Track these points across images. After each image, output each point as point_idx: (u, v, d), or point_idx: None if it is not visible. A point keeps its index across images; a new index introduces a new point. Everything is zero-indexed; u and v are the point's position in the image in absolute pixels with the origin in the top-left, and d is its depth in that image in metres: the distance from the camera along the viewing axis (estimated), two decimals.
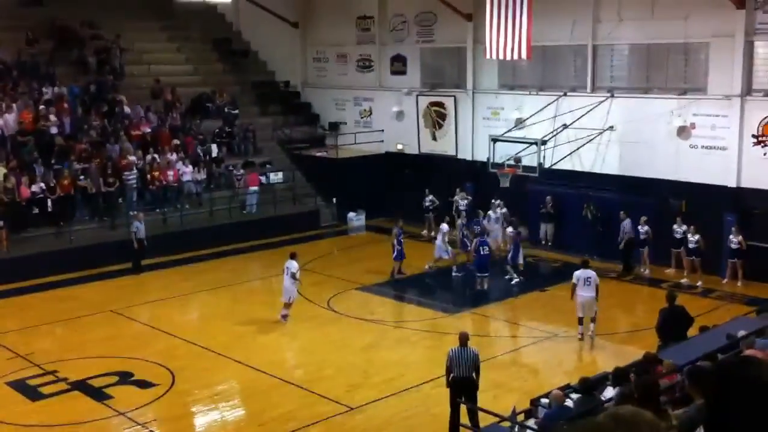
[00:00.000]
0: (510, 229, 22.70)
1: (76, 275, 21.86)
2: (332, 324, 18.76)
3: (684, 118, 22.01)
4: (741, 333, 11.85)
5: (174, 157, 26.42)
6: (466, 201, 25.97)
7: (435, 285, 22.38)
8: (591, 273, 17.19)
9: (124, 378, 15.41)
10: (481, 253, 20.83)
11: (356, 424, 13.49)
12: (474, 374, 12.52)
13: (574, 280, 17.16)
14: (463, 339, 12.73)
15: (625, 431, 2.34)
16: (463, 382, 12.49)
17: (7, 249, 22.11)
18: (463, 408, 12.43)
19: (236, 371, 15.85)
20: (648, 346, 14.80)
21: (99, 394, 14.67)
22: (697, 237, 20.76)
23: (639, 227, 21.81)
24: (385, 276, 22.19)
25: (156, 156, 25.96)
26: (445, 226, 22.68)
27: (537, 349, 17.24)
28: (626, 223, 22.04)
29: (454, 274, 22.45)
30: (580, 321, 17.18)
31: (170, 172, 25.88)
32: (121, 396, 14.59)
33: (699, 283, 20.89)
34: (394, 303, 20.89)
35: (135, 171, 25.13)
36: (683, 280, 21.17)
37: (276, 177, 28.44)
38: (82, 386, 15.02)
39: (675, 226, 21.40)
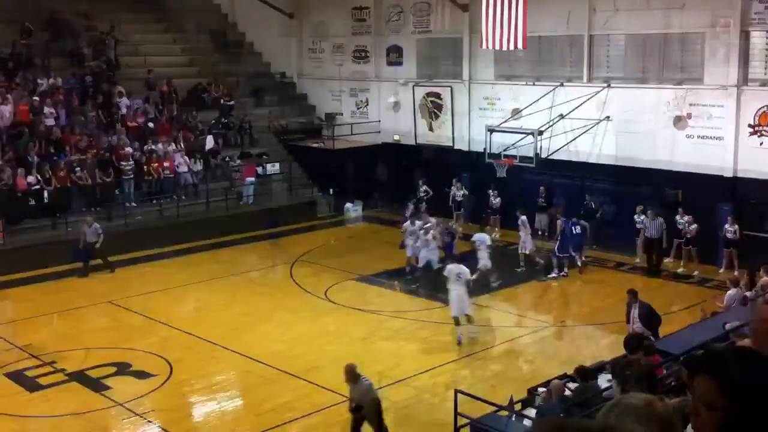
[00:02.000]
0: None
1: (73, 267, 21.83)
2: (330, 314, 18.78)
3: (680, 108, 22.02)
4: (735, 323, 11.84)
5: (171, 148, 26.41)
6: (462, 192, 26.02)
7: (433, 276, 22.34)
8: (463, 268, 17.01)
9: (122, 369, 15.42)
10: (574, 232, 21.05)
11: None
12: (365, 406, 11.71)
13: (446, 273, 17.04)
14: (348, 373, 11.94)
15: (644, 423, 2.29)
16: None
17: (2, 240, 22.07)
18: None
19: (233, 362, 15.88)
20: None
21: (97, 385, 14.69)
22: (694, 227, 20.75)
23: (635, 216, 21.82)
24: (383, 266, 22.24)
25: (154, 147, 25.94)
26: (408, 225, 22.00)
27: (533, 339, 17.28)
28: (656, 222, 21.25)
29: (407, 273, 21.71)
30: (457, 322, 16.66)
31: (167, 164, 25.88)
32: (119, 387, 14.61)
33: (695, 273, 20.92)
34: (391, 293, 20.87)
35: (132, 162, 25.12)
36: (680, 270, 21.20)
37: (273, 168, 28.41)
38: (81, 377, 15.04)
39: (677, 217, 21.24)
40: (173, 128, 27.62)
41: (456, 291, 16.68)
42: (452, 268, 16.95)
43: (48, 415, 13.55)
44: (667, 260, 21.76)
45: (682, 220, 21.17)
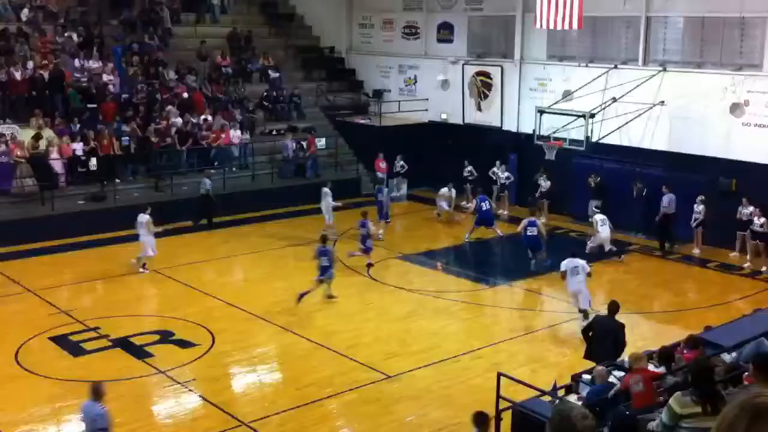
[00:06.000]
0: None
1: (123, 234, 22.07)
2: (371, 292, 18.73)
3: (738, 95, 21.40)
4: None
5: (211, 120, 26.60)
6: (506, 174, 25.69)
7: (476, 256, 22.21)
8: (579, 261, 16.63)
9: (165, 337, 15.56)
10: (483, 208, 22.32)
11: (393, 391, 13.46)
12: None
13: (563, 269, 16.51)
14: (93, 391, 10.00)
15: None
16: None
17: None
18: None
19: (275, 335, 15.91)
20: (692, 326, 14.57)
21: (140, 352, 14.84)
22: (762, 220, 19.99)
23: (694, 206, 21.29)
24: (426, 245, 22.12)
25: (207, 118, 26.25)
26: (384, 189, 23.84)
27: (577, 325, 16.94)
28: (666, 198, 21.59)
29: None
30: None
31: (223, 135, 26.23)
32: (161, 354, 14.74)
33: (764, 268, 20.14)
34: (434, 273, 20.75)
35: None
36: (746, 264, 20.49)
37: (319, 143, 28.33)
38: (124, 343, 15.20)
39: (741, 208, 20.52)
40: (219, 100, 27.79)
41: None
42: (567, 263, 16.46)
43: (91, 380, 13.63)
44: (732, 254, 21.13)
45: (746, 211, 20.43)
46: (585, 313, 16.35)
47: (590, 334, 13.00)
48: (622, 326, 12.89)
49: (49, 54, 25.65)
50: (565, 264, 16.53)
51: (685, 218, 21.58)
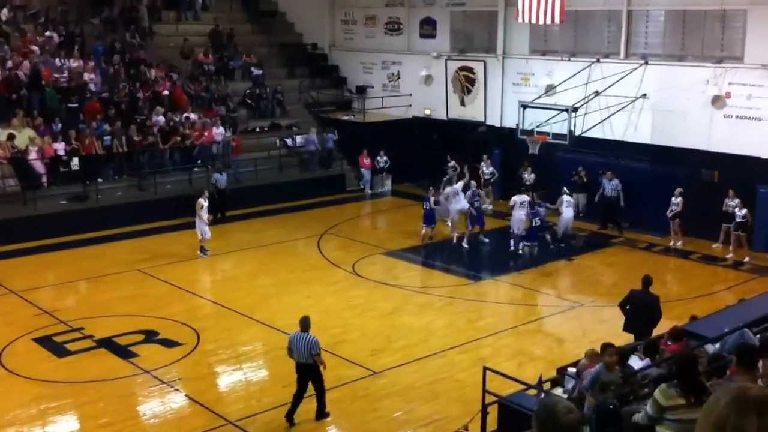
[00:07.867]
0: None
1: (106, 233, 21.96)
2: (356, 288, 18.71)
3: (719, 87, 21.52)
4: None
5: (194, 116, 26.45)
6: (490, 169, 25.71)
7: (461, 252, 22.19)
8: (525, 197, 20.81)
9: (150, 336, 15.48)
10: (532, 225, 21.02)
11: (379, 387, 13.45)
12: (312, 360, 11.99)
13: (511, 203, 20.86)
14: (302, 324, 12.12)
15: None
16: (301, 366, 12.08)
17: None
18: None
19: (260, 332, 15.86)
20: (675, 318, 14.64)
21: (125, 352, 14.75)
22: (744, 211, 20.14)
23: (672, 198, 21.46)
24: (411, 241, 22.10)
25: (190, 116, 26.11)
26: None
27: (562, 318, 17.08)
28: (611, 183, 22.76)
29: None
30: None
31: (206, 133, 26.04)
32: (146, 354, 14.66)
33: (746, 259, 20.33)
34: (419, 269, 20.78)
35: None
36: (729, 255, 20.61)
37: (302, 140, 28.26)
38: (108, 344, 15.11)
39: (727, 200, 20.62)
40: (203, 98, 27.61)
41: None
42: (516, 199, 20.79)
43: (75, 381, 13.59)
44: (715, 245, 21.26)
45: (732, 203, 20.52)
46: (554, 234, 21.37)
47: (627, 308, 13.59)
48: (657, 299, 13.51)
49: (29, 53, 25.44)
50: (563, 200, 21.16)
51: (665, 210, 21.69)
